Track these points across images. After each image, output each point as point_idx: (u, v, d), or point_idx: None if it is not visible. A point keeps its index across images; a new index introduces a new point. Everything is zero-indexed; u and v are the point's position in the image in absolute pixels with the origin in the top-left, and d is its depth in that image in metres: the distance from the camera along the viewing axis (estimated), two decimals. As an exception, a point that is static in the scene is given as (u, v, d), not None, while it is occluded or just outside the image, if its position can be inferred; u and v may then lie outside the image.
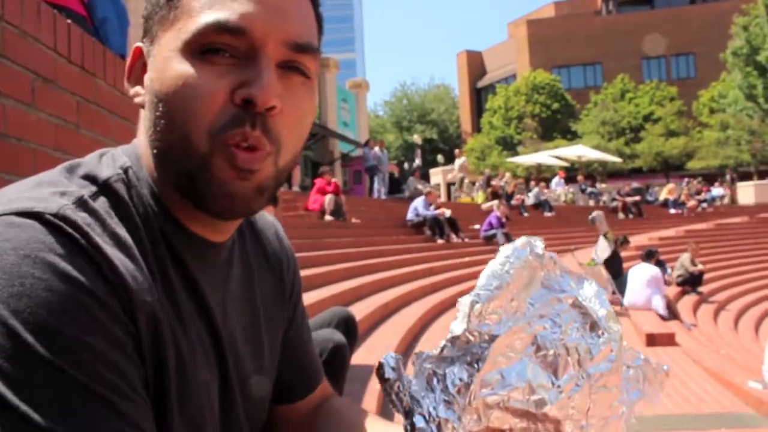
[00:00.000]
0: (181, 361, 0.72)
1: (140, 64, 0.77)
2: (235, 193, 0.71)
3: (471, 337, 0.67)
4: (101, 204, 0.69)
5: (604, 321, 0.67)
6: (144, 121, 0.75)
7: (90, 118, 2.41)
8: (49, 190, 0.67)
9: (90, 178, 0.72)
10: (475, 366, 0.65)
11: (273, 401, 0.98)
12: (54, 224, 0.63)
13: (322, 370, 1.08)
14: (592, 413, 0.67)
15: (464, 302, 0.67)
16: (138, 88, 0.77)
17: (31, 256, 0.60)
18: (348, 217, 11.64)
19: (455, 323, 0.68)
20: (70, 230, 0.63)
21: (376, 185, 17.63)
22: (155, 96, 0.71)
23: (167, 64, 0.70)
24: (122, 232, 0.69)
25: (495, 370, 0.65)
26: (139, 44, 0.77)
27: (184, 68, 0.69)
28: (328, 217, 11.12)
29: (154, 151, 0.73)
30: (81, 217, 0.65)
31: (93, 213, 0.67)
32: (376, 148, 17.47)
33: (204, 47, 0.69)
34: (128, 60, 0.78)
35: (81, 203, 0.67)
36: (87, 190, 0.70)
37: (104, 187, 0.71)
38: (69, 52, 2.25)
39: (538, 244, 0.68)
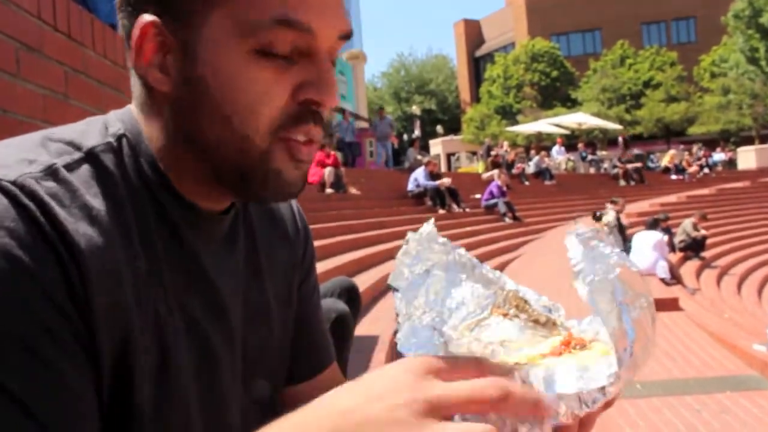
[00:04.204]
0: (163, 344, 0.67)
1: (153, 44, 0.67)
2: (290, 181, 0.71)
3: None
4: (80, 174, 0.64)
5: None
6: (169, 110, 0.69)
7: (79, 89, 2.34)
8: (18, 156, 0.62)
9: (73, 145, 0.66)
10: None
11: None
12: (9, 192, 0.57)
13: (333, 351, 1.00)
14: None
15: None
16: (156, 73, 0.68)
17: None
18: (348, 189, 11.61)
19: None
20: (26, 200, 0.57)
21: (380, 156, 17.81)
22: (204, 93, 0.66)
23: (224, 61, 0.65)
24: (98, 204, 0.63)
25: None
26: (151, 19, 0.66)
27: (244, 68, 0.65)
28: (328, 190, 11.10)
29: (192, 144, 0.69)
30: (45, 187, 0.60)
31: (63, 183, 0.61)
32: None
33: (265, 48, 0.64)
34: (135, 37, 0.67)
35: (50, 172, 0.61)
36: (63, 158, 0.64)
37: (87, 156, 0.66)
38: (54, 20, 2.17)
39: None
